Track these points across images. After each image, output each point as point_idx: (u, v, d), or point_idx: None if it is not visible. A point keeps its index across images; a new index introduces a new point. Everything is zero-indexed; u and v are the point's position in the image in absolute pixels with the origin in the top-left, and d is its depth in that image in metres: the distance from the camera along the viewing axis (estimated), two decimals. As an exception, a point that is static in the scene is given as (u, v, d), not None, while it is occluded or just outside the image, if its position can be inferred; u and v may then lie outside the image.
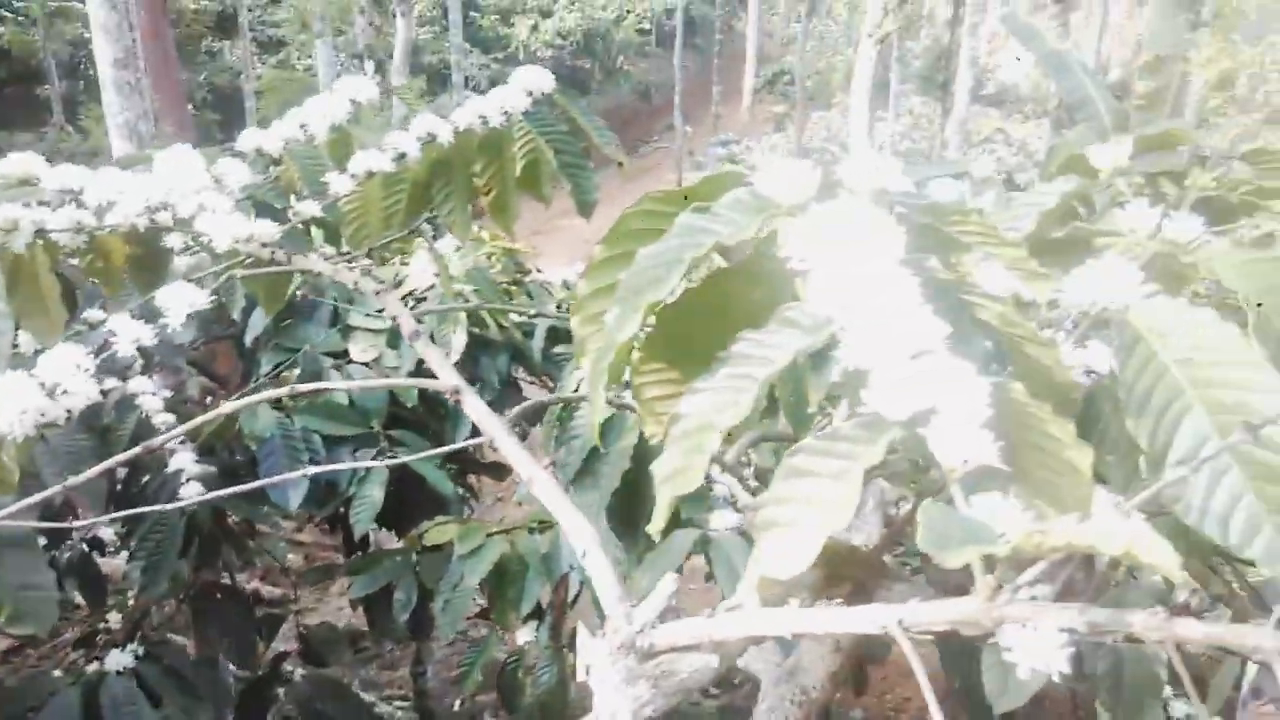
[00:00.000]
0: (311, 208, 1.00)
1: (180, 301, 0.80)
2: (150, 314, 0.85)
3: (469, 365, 1.73)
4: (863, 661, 2.10)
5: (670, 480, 0.55)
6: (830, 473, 0.49)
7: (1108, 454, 0.67)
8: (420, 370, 1.69)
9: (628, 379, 0.68)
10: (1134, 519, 0.42)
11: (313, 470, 0.82)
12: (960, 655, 1.57)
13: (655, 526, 0.55)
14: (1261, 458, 0.54)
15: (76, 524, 1.20)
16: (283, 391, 0.74)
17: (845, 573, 0.58)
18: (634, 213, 0.63)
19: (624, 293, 0.59)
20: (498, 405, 1.77)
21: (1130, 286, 0.62)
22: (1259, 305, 0.59)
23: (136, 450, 0.71)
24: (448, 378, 0.68)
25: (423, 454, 0.89)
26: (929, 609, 0.46)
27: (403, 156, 1.04)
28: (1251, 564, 0.56)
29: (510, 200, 1.14)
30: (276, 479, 1.36)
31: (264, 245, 0.94)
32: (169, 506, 0.98)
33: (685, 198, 0.61)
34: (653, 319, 0.65)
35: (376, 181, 1.10)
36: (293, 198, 1.03)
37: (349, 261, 1.07)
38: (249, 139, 1.08)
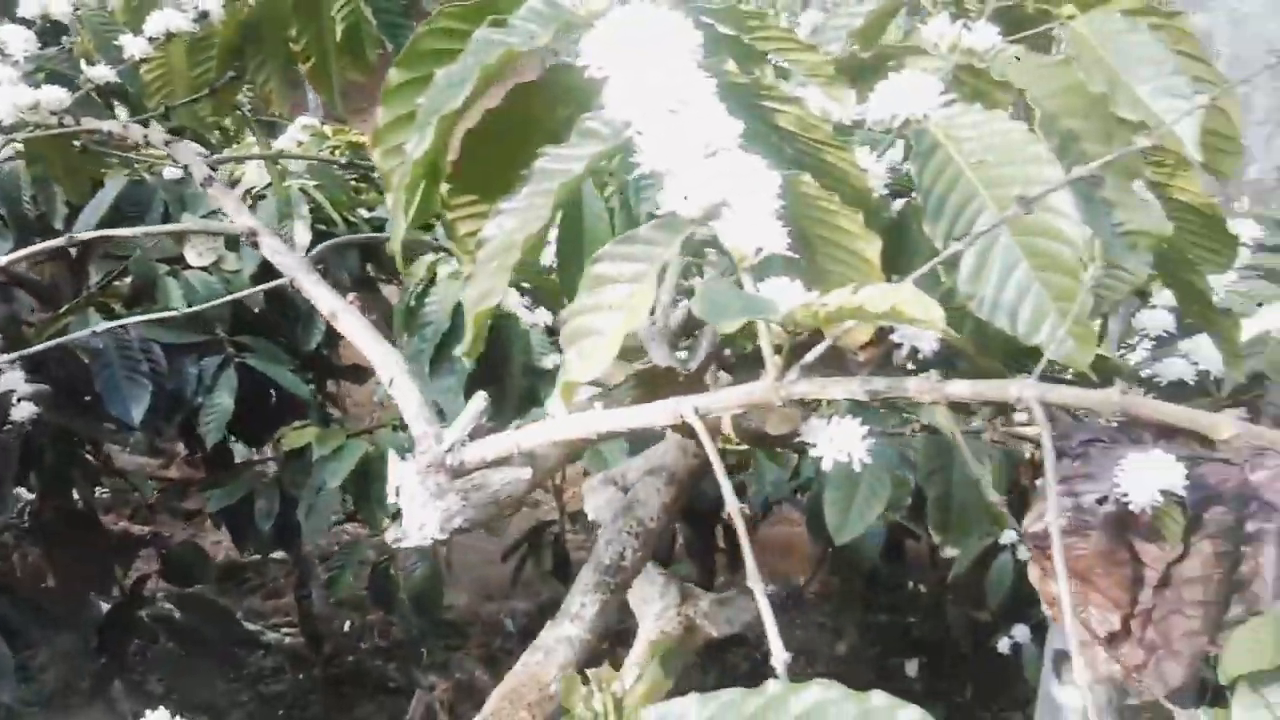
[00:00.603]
0: (104, 73, 0.92)
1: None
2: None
3: (316, 264, 1.66)
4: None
5: (478, 304, 0.54)
6: (629, 276, 0.49)
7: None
8: (264, 271, 1.61)
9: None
10: (911, 289, 0.43)
11: (103, 327, 0.77)
12: (824, 525, 1.64)
13: (463, 349, 0.54)
14: (1045, 248, 0.57)
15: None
16: (59, 242, 0.68)
17: (665, 393, 0.58)
18: (429, 31, 0.60)
19: (422, 116, 0.57)
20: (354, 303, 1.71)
21: (930, 97, 0.63)
22: (1045, 103, 0.61)
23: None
24: (242, 220, 0.65)
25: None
26: (722, 395, 0.46)
27: (204, 16, 0.96)
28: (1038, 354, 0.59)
29: (331, 68, 1.07)
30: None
31: (53, 114, 0.86)
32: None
33: (482, 10, 0.58)
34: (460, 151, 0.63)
35: (180, 48, 1.02)
36: (83, 64, 0.95)
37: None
38: (33, 3, 0.99)
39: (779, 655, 0.35)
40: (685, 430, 0.60)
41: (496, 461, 0.50)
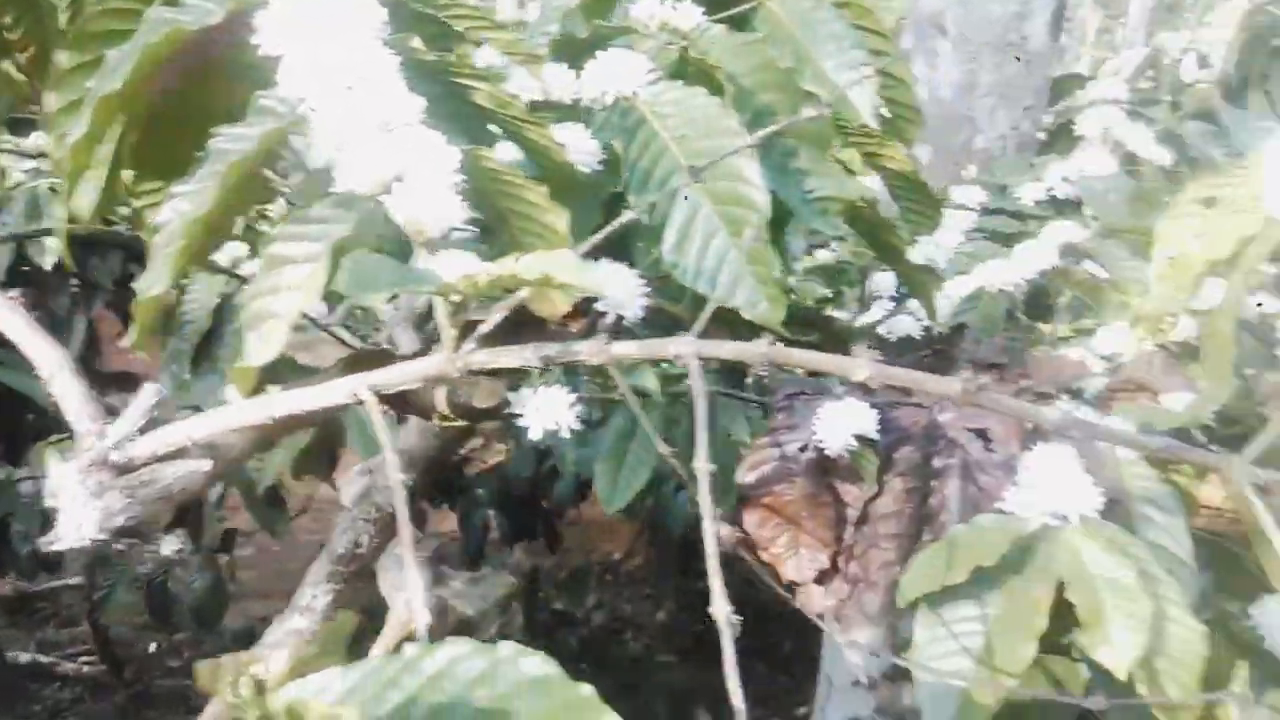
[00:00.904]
0: None
1: None
2: None
3: (76, 267, 1.54)
4: (553, 521, 2.19)
5: (146, 291, 0.51)
6: (304, 256, 0.48)
7: (638, 240, 0.71)
8: (12, 277, 1.48)
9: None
10: (566, 255, 0.44)
11: None
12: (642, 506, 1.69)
13: (130, 341, 0.52)
14: (738, 215, 0.60)
15: None
16: None
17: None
18: (101, 12, 0.56)
19: (89, 100, 0.53)
20: (118, 307, 1.60)
21: (638, 75, 0.64)
22: (741, 79, 0.64)
23: None
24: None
25: None
26: (397, 371, 0.46)
27: (-115, -1, 0.87)
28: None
29: (53, 58, 0.99)
30: None
31: None
32: None
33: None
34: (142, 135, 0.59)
35: None
36: None
37: None
38: None
39: (421, 619, 0.35)
40: (425, 413, 0.60)
41: (171, 455, 0.48)
